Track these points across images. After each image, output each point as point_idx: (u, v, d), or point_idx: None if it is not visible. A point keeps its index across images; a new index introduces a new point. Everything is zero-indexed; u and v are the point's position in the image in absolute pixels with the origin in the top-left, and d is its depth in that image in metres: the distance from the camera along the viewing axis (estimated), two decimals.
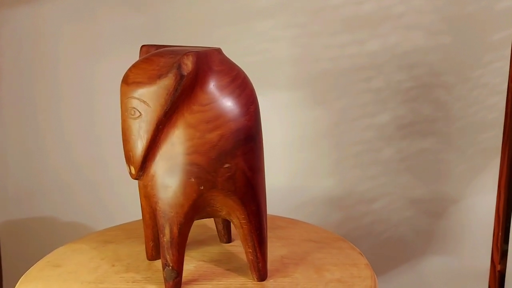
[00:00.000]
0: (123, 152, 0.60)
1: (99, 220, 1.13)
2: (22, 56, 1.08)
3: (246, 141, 0.60)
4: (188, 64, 0.56)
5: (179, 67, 0.56)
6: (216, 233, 0.76)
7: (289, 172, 1.12)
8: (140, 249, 0.72)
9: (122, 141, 0.60)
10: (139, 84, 0.57)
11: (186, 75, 0.56)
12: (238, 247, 0.73)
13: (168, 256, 0.60)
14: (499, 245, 0.98)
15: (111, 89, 1.08)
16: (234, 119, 0.59)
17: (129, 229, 0.79)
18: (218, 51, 0.61)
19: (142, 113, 0.57)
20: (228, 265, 0.68)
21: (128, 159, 0.59)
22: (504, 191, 0.97)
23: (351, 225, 1.14)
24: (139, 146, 0.58)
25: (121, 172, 1.12)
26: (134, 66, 0.59)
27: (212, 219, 0.76)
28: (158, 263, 0.68)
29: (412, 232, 1.14)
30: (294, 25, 1.06)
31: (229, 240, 0.75)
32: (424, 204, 1.12)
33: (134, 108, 0.57)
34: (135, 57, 1.06)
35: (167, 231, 0.59)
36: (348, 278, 0.66)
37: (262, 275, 0.64)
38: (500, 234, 0.98)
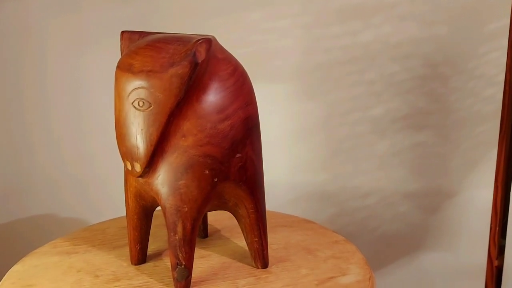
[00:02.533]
0: (121, 149, 0.57)
1: (88, 216, 1.11)
2: (6, 50, 1.05)
3: (253, 129, 0.60)
4: (202, 52, 0.54)
5: (194, 54, 0.53)
6: None
7: (280, 167, 1.10)
8: (114, 255, 0.68)
9: (121, 137, 0.56)
10: (149, 72, 0.53)
11: (200, 63, 0.54)
12: (219, 240, 0.73)
13: (180, 255, 0.58)
14: (496, 240, 0.97)
15: (99, 82, 1.07)
16: (241, 107, 0.58)
17: (83, 238, 0.74)
18: (215, 39, 0.60)
19: (153, 104, 0.54)
20: (222, 258, 0.68)
21: (131, 156, 0.56)
22: (501, 185, 0.96)
23: (345, 220, 1.13)
24: (148, 140, 0.55)
25: (110, 167, 1.10)
26: (137, 53, 0.55)
27: None
28: (147, 267, 0.65)
29: (407, 227, 1.13)
30: (285, 16, 1.04)
31: (206, 235, 0.74)
32: (419, 199, 1.11)
33: (143, 99, 0.54)
34: None
35: (179, 228, 0.57)
36: (339, 253, 0.69)
37: (266, 262, 0.65)
38: (497, 229, 0.97)
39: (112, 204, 1.09)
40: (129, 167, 0.56)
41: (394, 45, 1.04)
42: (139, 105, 0.54)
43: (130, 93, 0.54)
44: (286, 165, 1.11)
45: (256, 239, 0.64)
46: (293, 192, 1.12)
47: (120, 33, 0.59)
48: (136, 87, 0.54)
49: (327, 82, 1.07)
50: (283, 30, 1.04)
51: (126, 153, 0.56)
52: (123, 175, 0.63)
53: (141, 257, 0.65)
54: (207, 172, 0.57)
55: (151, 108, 0.54)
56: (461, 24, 1.03)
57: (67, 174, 1.11)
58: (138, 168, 0.56)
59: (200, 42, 0.54)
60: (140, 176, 0.57)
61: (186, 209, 0.57)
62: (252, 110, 0.60)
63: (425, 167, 1.10)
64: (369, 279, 0.64)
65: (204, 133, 0.56)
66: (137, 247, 0.65)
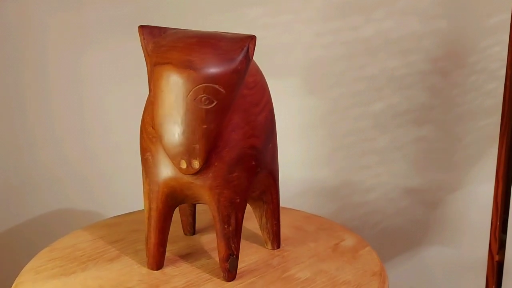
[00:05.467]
0: (174, 148, 0.55)
1: (92, 215, 1.11)
2: (8, 47, 1.05)
3: (274, 121, 0.63)
4: (252, 48, 0.55)
5: (248, 51, 0.55)
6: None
7: (282, 163, 1.10)
8: (120, 267, 0.64)
9: (176, 136, 0.55)
10: (213, 69, 0.53)
11: (251, 59, 0.56)
12: (211, 234, 0.73)
13: (233, 245, 0.60)
14: (497, 235, 0.97)
15: (101, 80, 1.07)
16: (268, 101, 0.62)
17: (62, 258, 0.67)
18: None
19: (215, 100, 0.54)
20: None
21: (189, 154, 0.55)
22: (502, 180, 0.96)
23: (347, 215, 1.13)
24: (209, 136, 0.55)
25: (114, 164, 1.10)
26: (191, 49, 0.54)
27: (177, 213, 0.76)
28: (171, 269, 0.64)
29: (408, 222, 1.12)
30: (286, 12, 1.03)
31: (194, 231, 0.74)
32: (421, 194, 1.11)
33: (207, 95, 0.53)
34: (125, 46, 1.04)
35: (233, 220, 0.59)
36: (322, 225, 0.76)
37: (279, 243, 0.69)
38: (498, 224, 0.96)
39: (117, 200, 1.09)
40: (183, 166, 0.55)
41: (395, 40, 1.04)
42: (203, 102, 0.53)
43: (192, 90, 0.53)
44: (289, 160, 1.10)
45: (275, 222, 0.67)
46: (296, 187, 1.12)
47: (138, 27, 0.57)
48: (200, 83, 0.53)
49: (328, 77, 1.07)
50: (284, 26, 1.04)
51: (182, 152, 0.55)
52: (142, 178, 0.61)
53: (163, 260, 0.64)
54: (253, 163, 0.59)
55: (214, 104, 0.54)
56: (462, 19, 1.02)
57: (71, 172, 1.11)
58: (196, 165, 0.55)
59: (251, 39, 0.55)
60: (195, 173, 0.56)
61: (239, 200, 0.58)
62: (272, 103, 0.63)
63: (427, 162, 1.09)
64: (364, 240, 0.73)
65: (249, 125, 0.58)
66: (160, 251, 0.63)
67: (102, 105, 1.07)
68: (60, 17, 1.04)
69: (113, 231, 0.74)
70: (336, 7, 1.03)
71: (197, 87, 0.53)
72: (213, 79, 0.53)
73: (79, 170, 1.11)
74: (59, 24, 1.04)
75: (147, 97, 0.62)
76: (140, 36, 0.57)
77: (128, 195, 1.10)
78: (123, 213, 0.83)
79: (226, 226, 0.59)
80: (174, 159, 0.56)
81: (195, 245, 0.70)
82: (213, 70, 0.53)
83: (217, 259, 0.65)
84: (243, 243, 0.69)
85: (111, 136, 1.10)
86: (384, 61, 1.05)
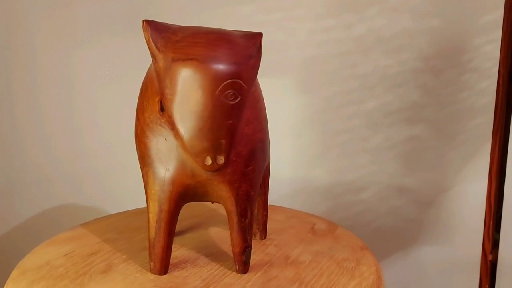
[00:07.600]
0: (200, 145, 0.54)
1: (83, 215, 1.10)
2: None
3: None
4: (261, 45, 0.57)
5: (259, 47, 0.56)
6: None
7: (274, 162, 1.09)
8: (120, 278, 0.60)
9: (202, 132, 0.54)
10: (237, 65, 0.54)
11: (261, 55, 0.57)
12: (198, 230, 0.74)
13: (248, 237, 0.60)
14: (490, 234, 0.97)
15: (90, 78, 1.06)
16: (263, 97, 0.64)
17: (44, 277, 0.59)
18: None
19: (240, 95, 0.54)
20: (224, 244, 0.69)
21: (214, 150, 0.55)
22: (495, 179, 0.96)
23: (340, 215, 1.12)
24: (233, 131, 0.55)
25: (105, 163, 1.09)
26: (215, 45, 0.54)
27: None
28: (179, 272, 0.62)
29: (401, 221, 1.12)
30: (277, 9, 1.03)
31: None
32: (414, 193, 1.11)
33: (234, 91, 0.54)
34: (116, 44, 1.03)
35: (249, 212, 0.60)
36: (290, 214, 0.80)
37: (266, 233, 0.71)
38: (491, 223, 0.96)
39: (110, 199, 1.09)
40: (208, 162, 0.55)
41: (388, 38, 1.03)
42: (230, 98, 0.54)
43: (221, 86, 0.53)
44: (281, 159, 1.10)
45: (265, 213, 0.70)
46: (288, 186, 1.11)
47: (143, 22, 0.54)
48: (228, 79, 0.53)
49: (320, 76, 1.06)
50: (276, 24, 1.03)
51: (208, 148, 0.55)
52: (146, 181, 0.59)
53: (169, 264, 0.61)
54: (262, 156, 0.61)
55: (238, 99, 0.54)
56: (455, 17, 1.02)
57: (60, 171, 1.10)
58: (221, 160, 0.56)
59: (261, 36, 0.56)
60: (218, 169, 0.57)
61: (253, 193, 0.60)
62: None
63: (419, 160, 1.09)
64: (332, 222, 0.78)
65: (258, 120, 0.60)
66: (168, 254, 0.61)
67: (92, 104, 1.07)
68: (49, 15, 1.03)
69: (82, 244, 0.68)
70: (329, 5, 1.02)
71: (226, 82, 0.53)
72: (238, 74, 0.54)
73: (70, 170, 1.10)
74: (48, 22, 1.03)
75: (143, 96, 0.58)
76: (145, 32, 0.54)
77: (120, 193, 1.09)
78: (116, 212, 0.81)
79: (243, 219, 0.59)
80: (198, 156, 0.55)
81: (185, 245, 0.69)
82: (237, 66, 0.54)
83: (218, 255, 0.66)
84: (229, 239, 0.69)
85: (102, 135, 1.09)
86: (376, 60, 1.05)
